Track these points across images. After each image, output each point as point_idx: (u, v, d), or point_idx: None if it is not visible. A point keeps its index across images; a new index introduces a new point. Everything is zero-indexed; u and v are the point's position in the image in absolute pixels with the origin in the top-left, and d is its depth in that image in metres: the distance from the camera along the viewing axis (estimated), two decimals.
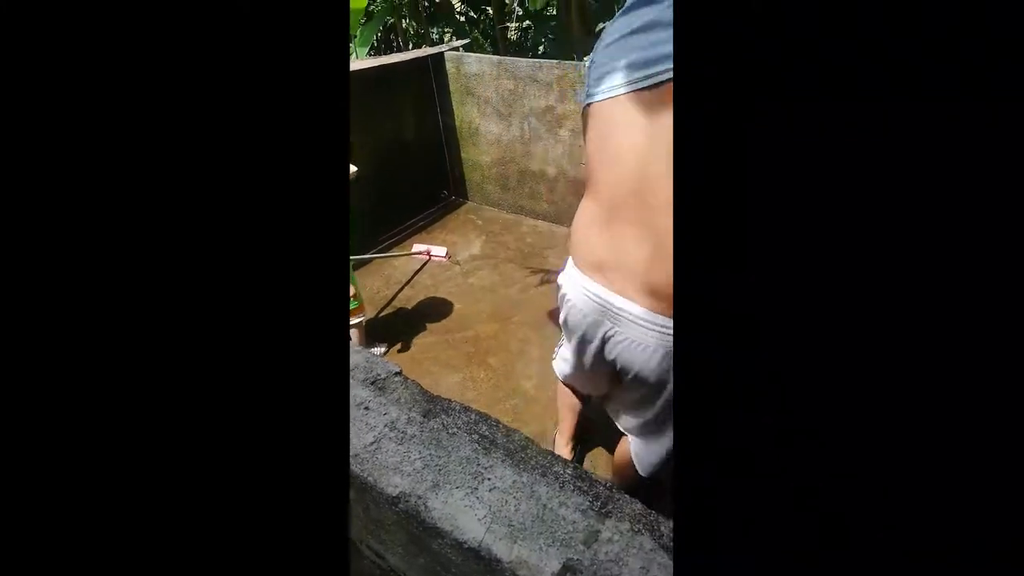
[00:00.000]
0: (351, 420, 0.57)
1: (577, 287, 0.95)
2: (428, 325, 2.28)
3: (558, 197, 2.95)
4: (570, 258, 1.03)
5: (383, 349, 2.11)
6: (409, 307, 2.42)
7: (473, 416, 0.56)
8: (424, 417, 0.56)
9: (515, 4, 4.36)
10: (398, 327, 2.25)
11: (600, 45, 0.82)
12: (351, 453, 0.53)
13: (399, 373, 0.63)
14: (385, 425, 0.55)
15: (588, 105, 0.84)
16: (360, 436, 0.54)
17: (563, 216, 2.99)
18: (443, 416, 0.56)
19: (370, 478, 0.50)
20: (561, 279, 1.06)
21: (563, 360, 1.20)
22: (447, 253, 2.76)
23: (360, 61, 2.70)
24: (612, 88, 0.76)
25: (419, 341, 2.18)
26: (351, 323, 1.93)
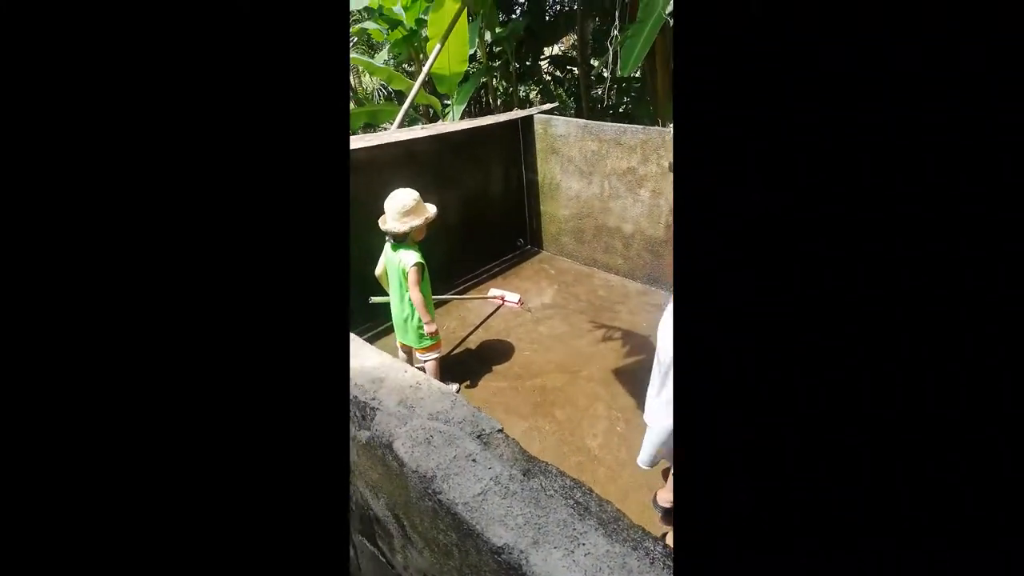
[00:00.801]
0: (460, 469, 0.65)
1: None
2: (498, 369, 2.36)
3: (633, 253, 2.99)
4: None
5: (456, 388, 2.22)
6: (481, 349, 2.52)
7: (568, 481, 0.62)
8: (524, 476, 0.63)
9: (603, 68, 4.62)
10: (469, 367, 2.36)
11: None
12: (461, 500, 0.61)
13: (501, 430, 0.71)
14: (491, 479, 0.63)
15: None
16: (469, 485, 0.62)
17: (636, 272, 3.01)
18: (541, 477, 0.63)
19: (477, 526, 0.58)
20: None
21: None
22: (520, 300, 2.86)
23: (459, 123, 2.99)
24: None
25: (489, 384, 2.27)
26: (429, 357, 2.07)
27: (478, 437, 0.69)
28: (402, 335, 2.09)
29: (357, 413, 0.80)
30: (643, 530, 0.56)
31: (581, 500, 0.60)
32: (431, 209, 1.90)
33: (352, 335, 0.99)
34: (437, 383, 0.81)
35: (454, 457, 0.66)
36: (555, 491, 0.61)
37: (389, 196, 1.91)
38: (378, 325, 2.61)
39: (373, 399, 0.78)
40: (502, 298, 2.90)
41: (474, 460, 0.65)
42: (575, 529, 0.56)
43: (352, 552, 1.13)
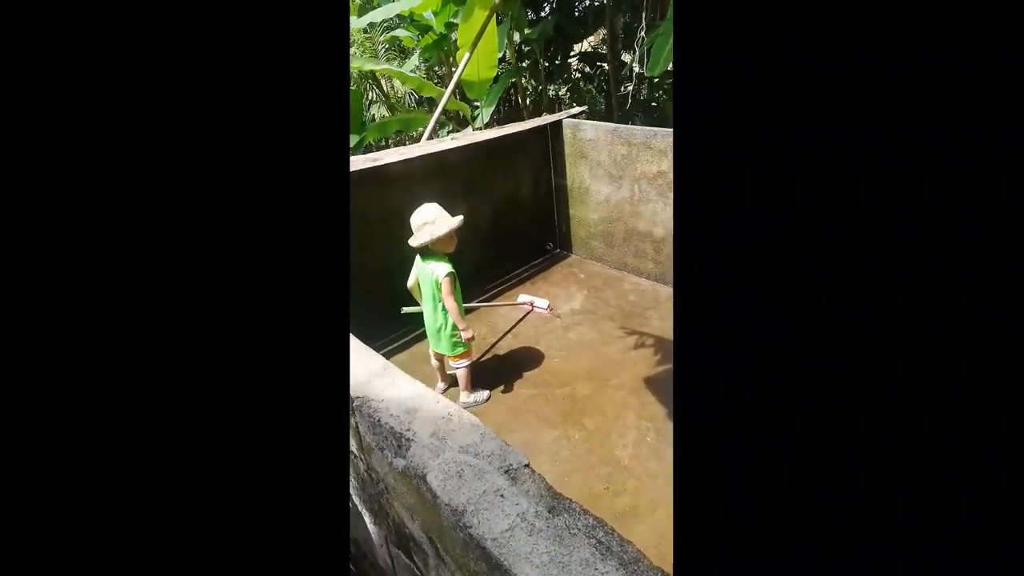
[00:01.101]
0: (490, 504, 0.69)
1: None
2: (528, 376, 2.40)
3: (664, 257, 2.95)
4: None
5: (487, 395, 2.27)
6: (511, 356, 2.57)
7: (591, 520, 0.65)
8: (549, 513, 0.67)
9: (633, 63, 4.54)
10: (500, 374, 2.41)
11: None
12: (490, 536, 0.65)
13: (527, 465, 0.75)
14: (518, 515, 0.67)
15: None
16: (497, 520, 0.66)
17: (668, 276, 2.98)
18: (565, 515, 0.66)
19: (505, 562, 0.62)
20: None
21: None
22: (549, 306, 2.89)
23: (488, 131, 3.02)
24: None
25: (519, 391, 2.31)
26: (461, 365, 2.14)
27: (506, 472, 0.73)
28: (435, 344, 2.16)
29: (393, 442, 0.85)
30: (663, 571, 0.58)
31: (603, 539, 0.63)
32: (451, 222, 1.95)
33: (385, 360, 1.06)
34: (468, 415, 0.86)
35: (483, 492, 0.71)
36: (578, 529, 0.64)
37: (414, 212, 1.98)
38: (409, 334, 2.70)
39: (408, 430, 0.84)
40: (531, 304, 2.93)
41: (502, 496, 0.70)
42: (597, 569, 0.59)
43: (389, 561, 1.20)
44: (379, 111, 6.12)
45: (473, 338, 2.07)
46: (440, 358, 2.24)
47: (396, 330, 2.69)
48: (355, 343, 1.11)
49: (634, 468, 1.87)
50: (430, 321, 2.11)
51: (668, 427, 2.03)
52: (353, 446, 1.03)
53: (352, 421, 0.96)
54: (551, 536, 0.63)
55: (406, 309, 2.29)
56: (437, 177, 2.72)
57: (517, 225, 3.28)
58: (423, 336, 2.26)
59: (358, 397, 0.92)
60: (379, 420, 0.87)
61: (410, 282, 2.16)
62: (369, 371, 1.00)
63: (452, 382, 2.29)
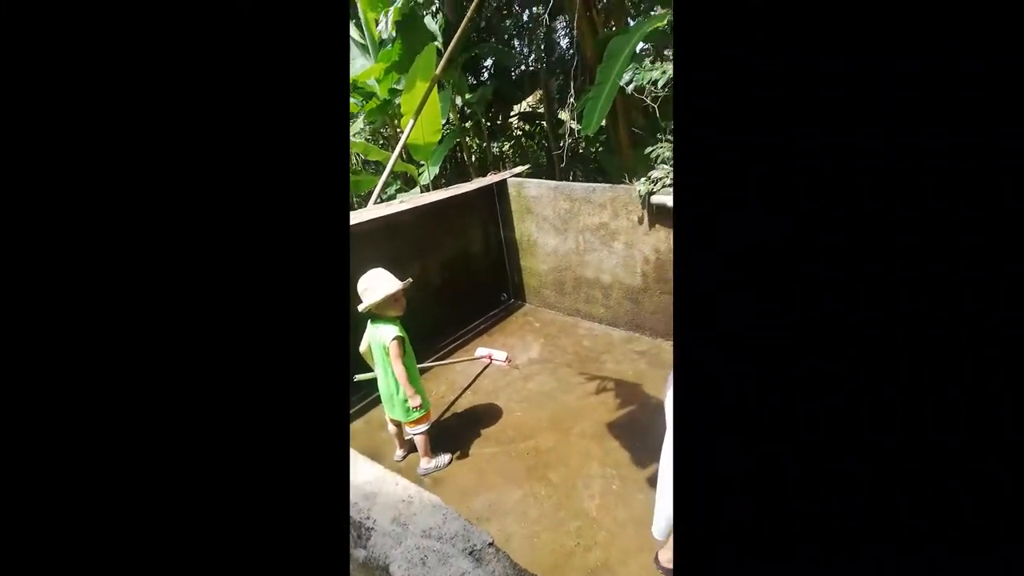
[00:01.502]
0: None
1: None
2: (489, 433, 2.38)
3: (613, 302, 3.09)
4: None
5: (448, 458, 2.22)
6: (472, 413, 2.54)
7: None
8: None
9: (569, 122, 4.89)
10: (461, 434, 2.37)
11: None
12: None
13: (492, 544, 0.75)
14: None
15: None
16: None
17: (619, 320, 3.10)
18: None
19: None
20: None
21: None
22: (507, 357, 2.91)
23: (435, 193, 3.12)
24: None
25: (481, 451, 2.28)
26: (418, 431, 2.08)
27: (470, 553, 0.73)
28: (390, 410, 2.11)
29: (353, 532, 0.83)
30: None
31: None
32: (387, 287, 1.91)
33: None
34: (428, 495, 0.85)
35: None
36: None
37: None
38: (364, 399, 2.62)
39: (367, 518, 0.82)
40: (489, 357, 2.94)
41: None
42: None
43: None
44: None
45: (421, 405, 2.02)
46: (397, 424, 2.18)
47: (352, 394, 2.60)
48: None
49: (602, 519, 1.86)
50: (383, 387, 2.07)
51: (632, 473, 2.05)
52: None
53: None
54: None
55: (359, 376, 2.23)
56: (387, 239, 2.76)
57: (470, 279, 3.34)
58: (379, 401, 2.20)
59: None
60: None
61: (362, 347, 2.13)
62: None
63: (411, 448, 2.23)
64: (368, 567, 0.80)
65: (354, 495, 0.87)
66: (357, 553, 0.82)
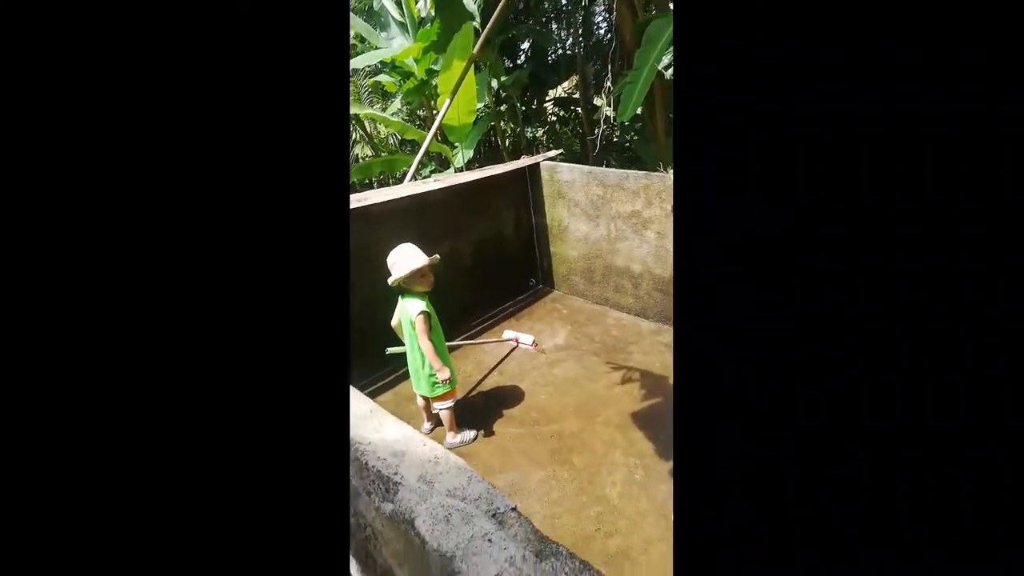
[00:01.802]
0: (478, 550, 0.69)
1: None
2: (514, 414, 2.39)
3: (643, 292, 3.03)
4: None
5: (473, 435, 2.25)
6: (497, 394, 2.56)
7: (579, 564, 0.66)
8: (537, 557, 0.67)
9: (604, 108, 4.79)
10: (486, 413, 2.39)
11: None
12: None
13: (515, 509, 0.76)
14: (506, 560, 0.67)
15: None
16: (486, 566, 0.67)
17: (648, 311, 3.05)
18: (553, 559, 0.67)
19: None
20: None
21: None
22: (534, 342, 2.91)
23: (468, 173, 3.13)
24: None
25: (506, 431, 2.29)
26: (443, 406, 2.12)
27: (493, 515, 0.74)
28: (416, 384, 2.15)
29: (381, 486, 0.85)
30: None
31: None
32: (413, 262, 1.93)
33: (372, 403, 1.06)
34: (454, 458, 0.86)
35: (471, 537, 0.71)
36: (566, 574, 0.65)
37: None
38: (394, 373, 2.67)
39: (395, 473, 0.84)
40: (516, 340, 2.95)
41: (490, 540, 0.70)
42: None
43: None
44: (363, 151, 6.26)
45: (449, 379, 2.04)
46: (425, 398, 2.22)
47: (381, 369, 2.66)
48: None
49: (624, 507, 1.85)
50: (410, 361, 2.11)
51: (656, 464, 2.03)
52: None
53: None
54: None
55: (390, 349, 2.28)
56: (420, 217, 2.78)
57: (500, 262, 3.34)
58: (408, 375, 2.25)
59: None
60: (367, 463, 0.87)
61: (393, 321, 2.17)
62: (356, 414, 1.00)
63: (438, 422, 2.27)
64: (394, 520, 0.82)
65: (383, 452, 0.89)
66: (385, 507, 0.84)
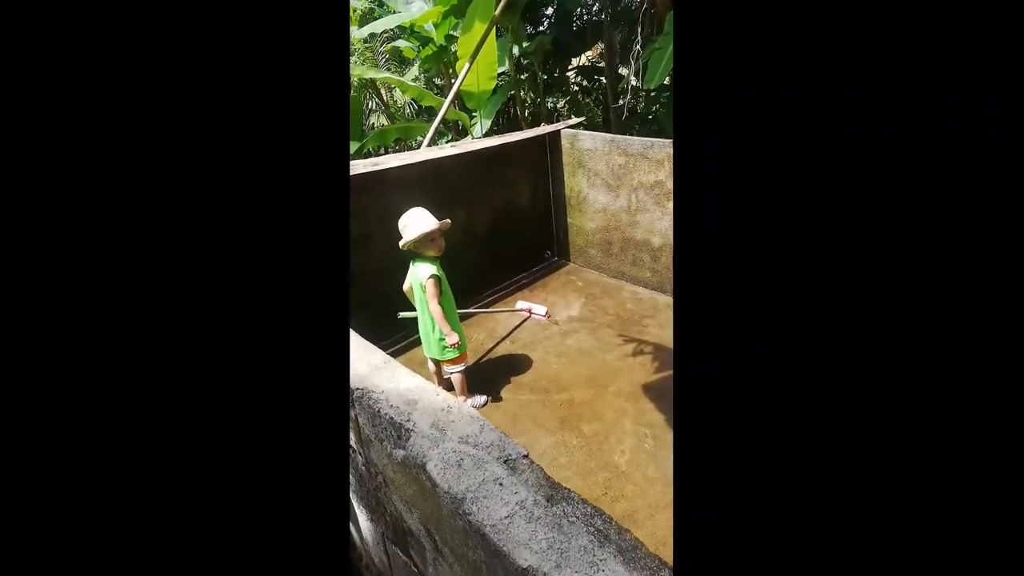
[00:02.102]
0: (489, 492, 0.69)
1: None
2: (525, 381, 2.40)
3: (662, 266, 2.97)
4: None
5: (484, 400, 2.27)
6: (508, 362, 2.57)
7: (589, 509, 0.66)
8: (548, 501, 0.67)
9: (630, 77, 4.63)
10: (496, 380, 2.41)
11: None
12: (489, 522, 0.65)
13: (526, 456, 0.75)
14: (517, 503, 0.67)
15: None
16: (496, 508, 0.67)
17: (666, 285, 2.99)
18: (564, 504, 0.67)
19: (504, 548, 0.62)
20: None
21: None
22: (547, 313, 2.90)
23: (486, 140, 3.06)
24: None
25: (516, 397, 2.31)
26: (454, 370, 2.13)
27: (505, 462, 0.74)
28: (427, 348, 2.16)
29: (392, 432, 0.86)
30: (660, 559, 0.59)
31: (601, 528, 0.63)
32: (422, 226, 1.92)
33: (386, 355, 1.06)
34: (467, 407, 0.86)
35: (483, 480, 0.71)
36: (577, 517, 0.64)
37: None
38: (407, 338, 2.70)
39: (408, 420, 0.84)
40: (529, 311, 2.94)
41: (501, 484, 0.70)
42: (595, 555, 0.59)
43: (386, 559, 1.19)
44: (379, 120, 6.18)
45: (458, 344, 2.04)
46: (436, 362, 2.23)
47: (394, 334, 2.69)
48: (356, 339, 1.12)
49: (632, 474, 1.86)
50: (421, 325, 2.11)
51: (666, 434, 2.02)
52: (352, 440, 1.03)
53: (351, 413, 0.96)
54: (550, 524, 0.64)
55: (402, 314, 2.29)
56: (436, 183, 2.75)
57: (515, 232, 3.30)
58: (419, 342, 2.26)
59: (358, 389, 0.92)
60: (379, 411, 0.87)
61: (405, 285, 2.17)
62: (370, 365, 1.00)
63: (448, 386, 2.29)
64: (406, 466, 0.82)
65: (396, 400, 0.89)
66: (396, 453, 0.85)
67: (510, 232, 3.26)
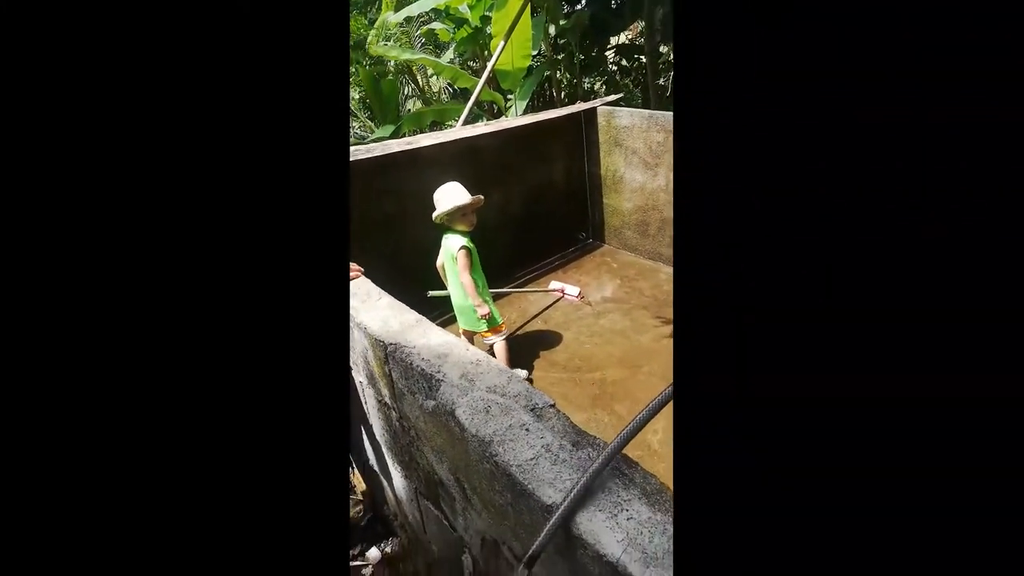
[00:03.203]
0: (515, 436, 0.70)
1: None
2: (557, 360, 2.40)
3: None
4: None
5: (525, 373, 2.28)
6: (540, 340, 2.57)
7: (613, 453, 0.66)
8: (573, 446, 0.67)
9: (671, 55, 4.46)
10: (528, 357, 2.42)
11: None
12: (515, 463, 0.66)
13: (553, 405, 0.76)
14: (542, 446, 0.68)
15: None
16: (522, 450, 0.68)
17: None
18: (589, 449, 0.67)
19: (529, 486, 0.63)
20: None
21: None
22: (580, 293, 2.87)
23: (521, 117, 3.04)
24: None
25: (547, 375, 2.31)
26: (493, 340, 2.16)
27: (531, 410, 0.75)
28: (464, 322, 2.19)
29: (424, 384, 0.88)
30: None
31: (626, 472, 0.63)
32: (454, 199, 1.96)
33: (419, 315, 1.09)
34: (496, 361, 0.87)
35: (509, 426, 0.72)
36: (601, 463, 0.64)
37: None
38: (439, 317, 2.74)
39: (438, 372, 0.86)
40: (562, 291, 2.92)
41: (527, 429, 0.71)
42: (620, 496, 0.59)
43: (419, 515, 1.23)
44: (415, 105, 6.26)
45: (489, 315, 2.06)
46: (470, 336, 2.26)
47: (429, 312, 2.73)
48: (389, 299, 1.15)
49: (664, 454, 1.83)
50: (455, 298, 2.14)
51: None
52: (386, 395, 1.07)
53: (385, 369, 1.00)
54: (575, 466, 0.64)
55: (432, 293, 2.32)
56: (470, 161, 2.76)
57: (549, 213, 3.28)
58: (452, 320, 2.29)
59: (392, 344, 0.95)
60: (411, 364, 0.90)
61: (437, 261, 2.20)
62: (402, 323, 1.03)
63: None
64: (436, 414, 0.85)
65: (427, 354, 0.91)
66: (427, 403, 0.87)
67: (544, 212, 3.24)
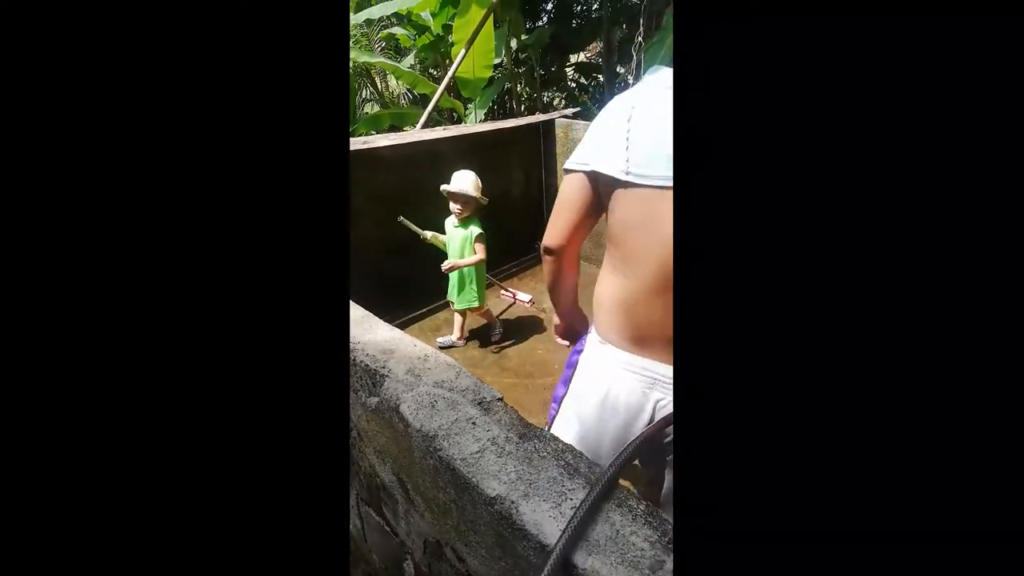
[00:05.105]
0: (461, 430, 0.69)
1: (619, 364, 0.93)
2: (509, 366, 2.39)
3: None
4: (597, 336, 1.01)
5: (459, 342, 2.46)
6: (492, 346, 2.56)
7: (560, 445, 0.65)
8: (520, 439, 0.67)
9: (628, 76, 4.65)
10: (480, 364, 2.40)
11: (640, 121, 0.82)
12: (459, 457, 0.64)
13: (501, 399, 0.75)
14: (488, 440, 0.66)
15: (625, 182, 0.82)
16: (468, 444, 0.66)
17: None
18: (536, 441, 0.66)
19: (473, 479, 0.61)
20: (591, 359, 1.02)
21: (575, 431, 1.09)
22: (531, 300, 2.90)
23: (479, 124, 3.06)
24: (662, 179, 0.79)
25: (499, 380, 2.30)
26: (483, 310, 2.43)
27: (479, 404, 0.73)
28: (460, 301, 2.35)
29: (368, 381, 0.85)
30: (628, 490, 0.59)
31: (571, 462, 0.63)
32: (471, 188, 2.24)
33: (365, 311, 1.05)
34: (444, 356, 0.85)
35: (455, 420, 0.70)
36: (548, 453, 0.64)
37: None
38: (405, 315, 2.68)
39: (383, 367, 0.83)
40: (514, 296, 2.94)
41: (474, 423, 0.69)
42: (564, 486, 0.59)
43: (359, 523, 1.17)
44: (372, 109, 6.14)
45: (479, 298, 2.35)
46: (463, 313, 2.41)
47: (394, 309, 2.67)
48: None
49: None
50: (457, 275, 2.31)
51: None
52: None
53: None
54: (520, 458, 0.63)
55: (403, 219, 2.32)
56: (427, 164, 2.73)
57: (505, 221, 3.29)
58: (421, 317, 2.39)
59: None
60: (355, 360, 0.86)
61: (429, 233, 2.35)
62: (350, 319, 0.99)
63: (467, 339, 2.49)
64: (379, 411, 0.81)
65: (372, 350, 0.88)
66: (370, 401, 0.84)
67: (500, 220, 3.25)
